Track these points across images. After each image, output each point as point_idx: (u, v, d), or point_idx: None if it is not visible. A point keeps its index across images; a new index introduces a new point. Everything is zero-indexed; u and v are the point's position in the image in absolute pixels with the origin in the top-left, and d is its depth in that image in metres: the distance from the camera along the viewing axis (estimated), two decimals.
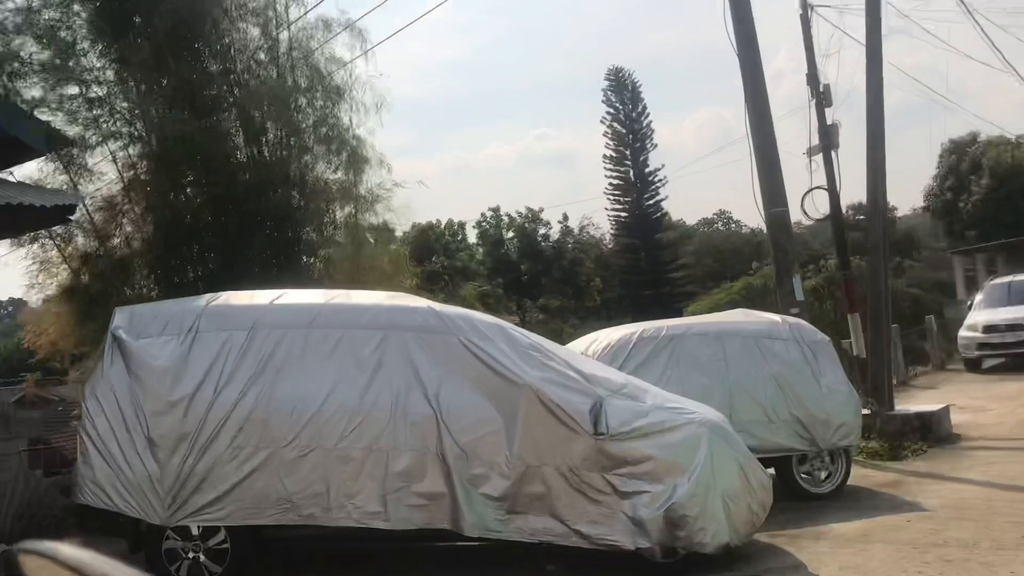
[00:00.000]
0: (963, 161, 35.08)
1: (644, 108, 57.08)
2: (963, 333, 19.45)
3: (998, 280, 21.05)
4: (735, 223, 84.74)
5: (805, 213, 14.25)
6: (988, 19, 43.79)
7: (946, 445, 11.96)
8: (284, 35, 12.36)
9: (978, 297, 20.72)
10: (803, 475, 9.00)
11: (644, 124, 56.85)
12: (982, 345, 19.00)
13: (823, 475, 9.08)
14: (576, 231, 56.05)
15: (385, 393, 6.44)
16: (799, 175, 14.74)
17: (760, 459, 7.59)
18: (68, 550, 1.26)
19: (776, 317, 9.40)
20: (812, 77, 14.11)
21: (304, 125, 11.77)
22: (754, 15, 12.02)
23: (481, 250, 52.36)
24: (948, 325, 22.03)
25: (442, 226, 50.89)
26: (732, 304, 31.21)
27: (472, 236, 53.18)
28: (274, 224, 10.87)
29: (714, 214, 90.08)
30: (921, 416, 12.34)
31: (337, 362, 6.53)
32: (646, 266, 55.11)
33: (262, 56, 11.81)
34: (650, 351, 8.69)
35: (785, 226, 11.86)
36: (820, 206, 14.08)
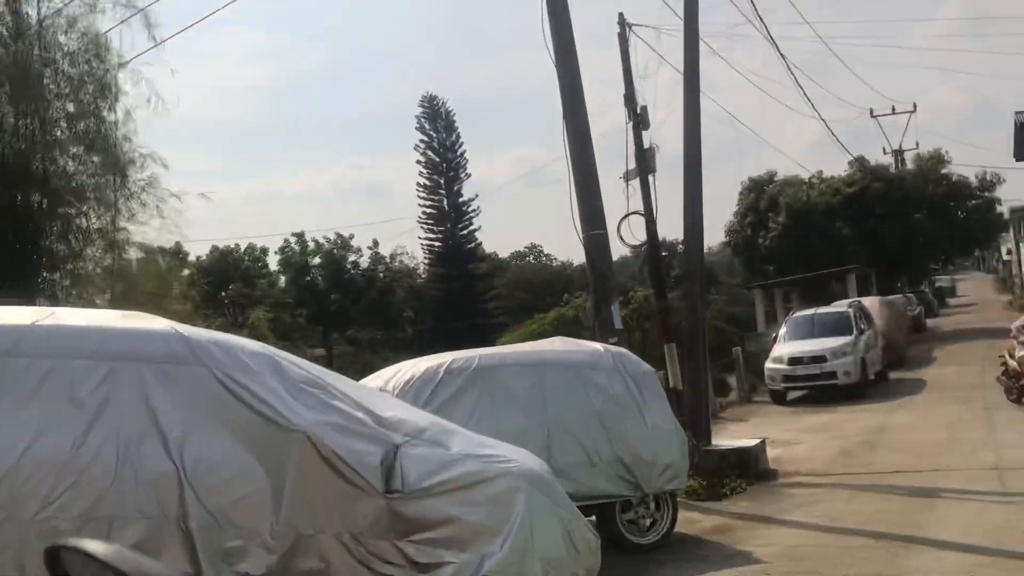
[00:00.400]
0: (762, 199, 36.60)
1: (458, 137, 56.82)
2: (769, 365, 19.62)
3: (801, 313, 21.53)
4: (546, 256, 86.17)
5: (622, 239, 13.70)
6: (794, 65, 46.04)
7: (765, 482, 11.49)
8: (36, 11, 10.41)
9: (782, 330, 21.09)
10: (627, 523, 8.07)
11: (458, 153, 56.55)
12: (787, 377, 19.21)
13: (648, 523, 8.19)
14: (388, 258, 54.54)
15: (109, 443, 4.85)
16: (621, 201, 14.21)
17: (580, 507, 6.57)
18: (104, 547, 1.31)
19: (598, 346, 8.48)
20: (629, 98, 13.61)
21: (56, 116, 9.86)
22: (579, 41, 11.30)
23: (284, 278, 49.75)
24: (750, 357, 22.33)
25: (242, 251, 47.98)
26: (544, 336, 30.83)
27: (274, 263, 50.50)
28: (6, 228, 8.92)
29: (526, 247, 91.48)
30: (739, 452, 11.86)
31: (43, 402, 4.89)
32: (460, 297, 54.40)
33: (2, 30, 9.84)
34: (460, 385, 7.52)
35: (604, 249, 11.09)
36: (637, 233, 13.56)
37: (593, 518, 7.95)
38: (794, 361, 19.11)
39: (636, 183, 13.66)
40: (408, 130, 55.90)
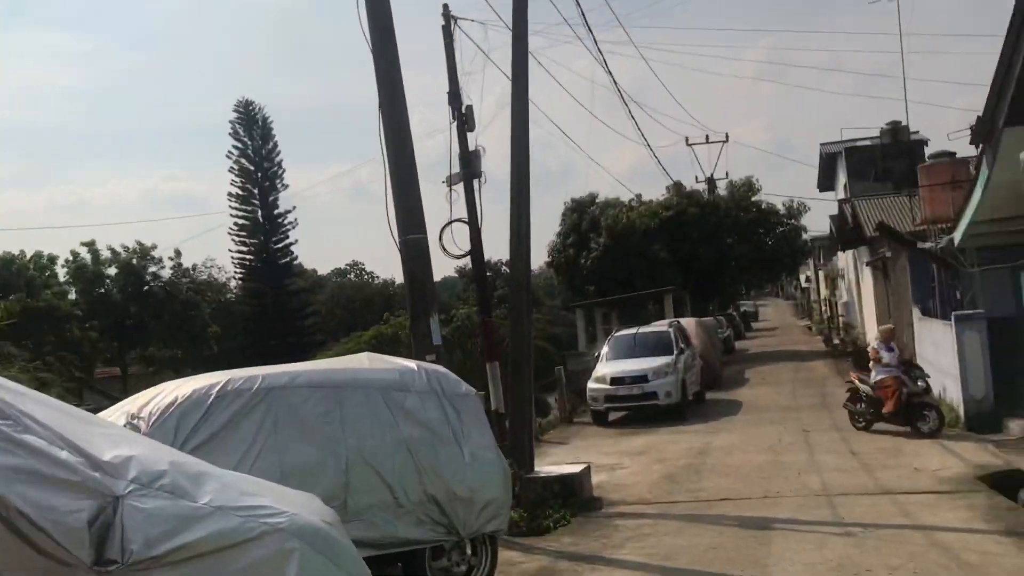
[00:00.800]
0: (584, 219, 36.66)
1: (275, 146, 54.26)
2: (591, 385, 19.05)
3: (623, 332, 21.18)
4: (368, 274, 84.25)
5: (444, 249, 12.59)
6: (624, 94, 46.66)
7: (589, 512, 10.65)
8: None
9: (604, 349, 20.64)
10: (438, 572, 6.89)
11: (275, 163, 53.98)
12: (609, 397, 18.69)
13: (463, 570, 7.04)
14: (191, 269, 50.95)
15: None
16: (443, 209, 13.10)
17: (385, 555, 5.35)
18: None
19: (411, 363, 7.26)
20: (454, 96, 12.58)
21: None
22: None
23: (74, 289, 45.34)
24: (571, 377, 21.79)
25: (27, 258, 43.31)
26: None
27: (63, 274, 45.79)
28: None
29: (347, 264, 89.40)
30: (563, 479, 10.97)
31: None
32: (273, 313, 51.69)
33: None
34: (236, 410, 6.11)
35: (423, 256, 9.94)
36: (461, 242, 12.51)
37: (400, 565, 6.74)
38: (616, 381, 18.63)
39: (460, 189, 12.64)
40: (226, 144, 52.69)
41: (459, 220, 12.43)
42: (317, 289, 71.55)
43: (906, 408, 13.78)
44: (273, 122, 54.87)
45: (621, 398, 18.61)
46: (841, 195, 33.98)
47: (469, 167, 12.45)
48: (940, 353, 16.25)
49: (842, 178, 32.85)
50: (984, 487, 10.15)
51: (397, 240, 9.94)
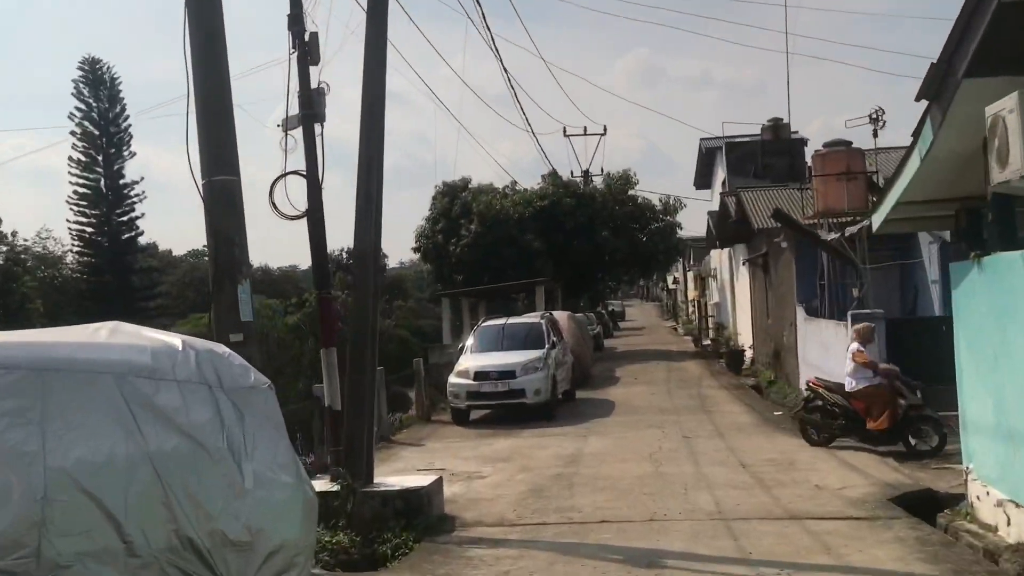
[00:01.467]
0: (455, 205, 34.58)
1: (124, 110, 49.80)
2: (453, 380, 17.01)
3: (490, 322, 19.24)
4: None
5: (275, 208, 10.23)
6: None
7: (438, 535, 8.60)
8: None
9: (469, 340, 18.64)
10: None
11: (122, 128, 49.48)
12: (472, 394, 16.68)
13: None
14: (10, 236, 45.74)
15: None
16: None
17: None
18: None
19: (174, 339, 4.95)
20: (295, 19, 10.22)
21: None
22: None
23: None
24: (432, 370, 19.72)
25: None
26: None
27: None
28: None
29: (204, 246, 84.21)
30: (407, 495, 8.87)
31: None
32: (113, 291, 47.31)
33: None
34: None
35: (232, 205, 7.60)
36: (298, 201, 10.20)
37: None
38: (480, 376, 16.65)
39: (299, 137, 10.30)
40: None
41: (296, 173, 10.13)
42: (170, 269, 66.94)
43: (901, 423, 11.55)
44: (122, 83, 50.43)
45: (485, 395, 16.64)
46: (717, 195, 33.17)
47: (311, 108, 10.15)
48: (830, 356, 15.03)
49: (721, 174, 32.01)
50: (901, 512, 8.66)
51: (198, 182, 7.58)
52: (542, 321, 18.61)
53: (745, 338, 26.41)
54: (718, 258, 34.83)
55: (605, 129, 39.35)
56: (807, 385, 12.88)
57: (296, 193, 10.37)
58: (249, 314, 7.55)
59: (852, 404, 11.92)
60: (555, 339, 18.28)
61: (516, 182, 36.46)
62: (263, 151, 52.91)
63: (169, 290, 61.14)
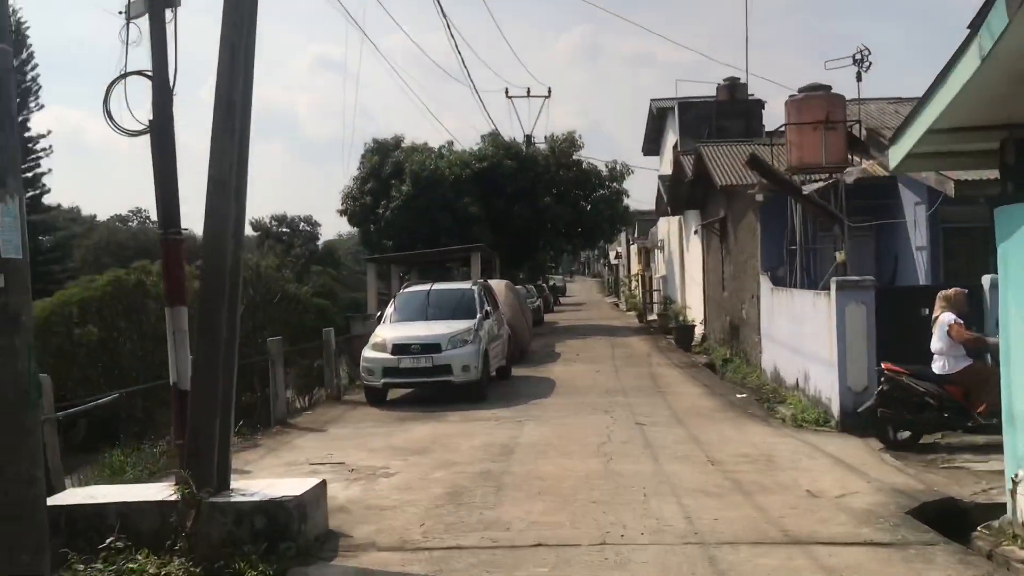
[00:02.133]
0: (386, 164, 31.94)
1: (31, 57, 45.67)
2: (367, 354, 14.57)
3: (414, 288, 16.80)
4: (152, 222, 75.74)
5: (110, 119, 7.67)
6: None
7: (311, 564, 6.24)
8: None
9: (389, 308, 16.19)
10: None
11: (28, 77, 45.36)
12: (389, 371, 14.26)
13: None
14: None
15: None
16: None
17: None
18: None
19: None
20: None
21: None
22: None
23: None
24: (354, 343, 17.27)
25: None
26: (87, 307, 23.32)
27: None
28: None
29: (130, 211, 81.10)
30: (271, 509, 6.47)
31: None
32: None
33: None
34: None
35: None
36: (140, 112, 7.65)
37: None
38: (400, 349, 14.24)
39: (146, 28, 7.72)
40: None
41: (140, 73, 7.57)
42: (89, 234, 63.02)
43: None
44: (30, 28, 46.30)
45: (405, 372, 14.24)
46: (668, 159, 31.11)
47: None
48: (804, 333, 12.97)
49: (672, 137, 29.89)
50: (934, 533, 6.56)
51: None
52: (474, 288, 16.24)
53: (696, 313, 24.42)
54: (666, 228, 32.81)
55: (549, 91, 37.05)
56: (881, 372, 10.02)
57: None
58: (16, 249, 5.03)
59: (952, 390, 9.51)
60: (488, 309, 15.95)
61: (453, 142, 33.95)
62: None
63: (85, 254, 57.48)
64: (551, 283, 65.42)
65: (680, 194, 23.31)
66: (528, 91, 37.30)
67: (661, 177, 26.79)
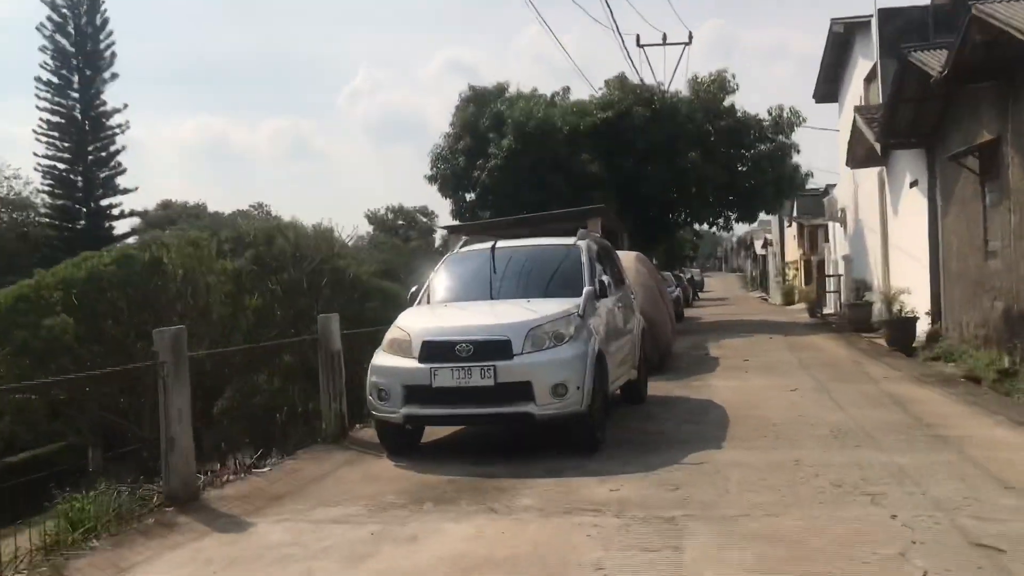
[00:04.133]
0: (484, 116, 25.28)
1: (105, 23, 41.51)
2: (378, 361, 7.77)
3: (471, 247, 9.67)
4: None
5: None
6: None
7: None
8: None
9: (432, 278, 9.22)
10: None
11: (102, 43, 41.25)
12: (417, 393, 7.40)
13: None
14: None
15: None
16: None
17: None
18: None
19: None
20: None
21: None
22: None
23: None
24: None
25: None
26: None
27: None
28: None
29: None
30: None
31: None
32: (88, 238, 39.37)
33: None
34: None
35: None
36: None
37: None
38: (435, 351, 7.40)
39: None
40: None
41: None
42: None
43: None
44: None
45: (443, 396, 7.34)
46: (855, 99, 23.14)
47: None
48: None
49: (864, 65, 21.95)
50: None
51: None
52: (580, 245, 9.14)
53: (918, 300, 16.61)
54: (851, 191, 24.82)
55: (690, 36, 29.33)
56: None
57: None
58: None
59: None
60: (606, 280, 8.82)
61: (568, 88, 26.96)
62: None
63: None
64: (688, 275, 57.89)
65: (898, 121, 15.57)
66: (664, 37, 29.81)
67: (859, 109, 19.03)
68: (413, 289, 9.02)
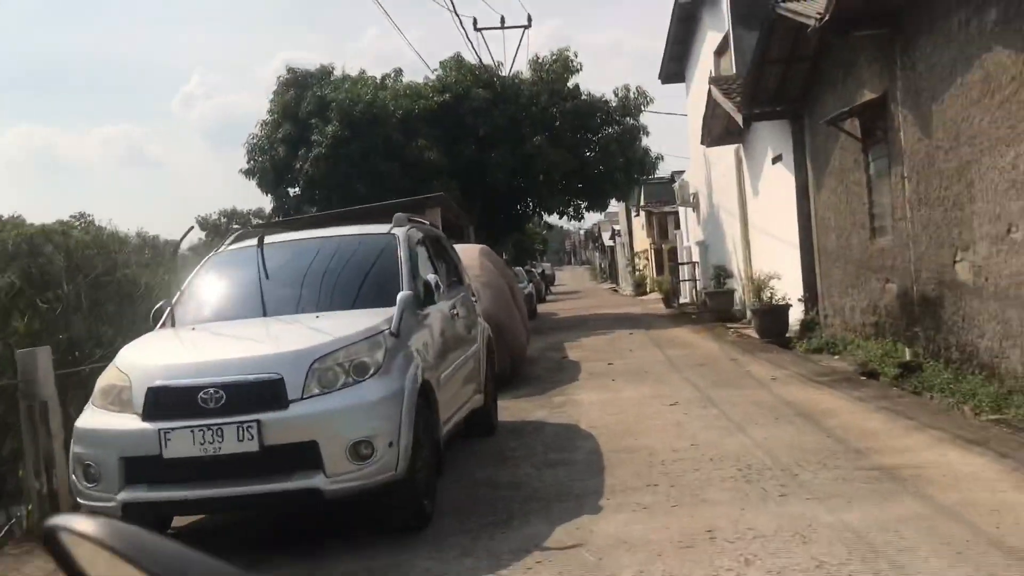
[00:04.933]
0: (307, 100, 22.40)
1: None
2: (83, 423, 5.13)
3: (238, 246, 6.97)
4: None
5: None
6: None
7: None
8: None
9: (183, 292, 6.53)
10: None
11: None
12: (140, 467, 4.86)
13: None
14: None
15: None
16: None
17: None
18: (100, 525, 0.98)
19: None
20: None
21: None
22: None
23: None
24: None
25: None
26: None
27: None
28: None
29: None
30: None
31: None
32: None
33: None
34: None
35: None
36: None
37: None
38: (166, 406, 4.84)
39: None
40: None
41: None
42: None
43: None
44: None
45: (180, 470, 4.81)
46: (705, 76, 21.72)
47: None
48: None
49: (713, 38, 20.53)
50: None
51: None
52: (397, 234, 6.69)
53: (788, 286, 15.12)
54: (703, 175, 23.49)
55: (529, 19, 27.32)
56: None
57: None
58: None
59: None
60: (432, 280, 6.42)
61: (401, 70, 24.47)
62: None
63: None
64: (540, 270, 56.65)
65: (763, 87, 13.95)
66: (502, 20, 27.77)
67: (714, 79, 17.45)
68: (159, 305, 6.34)
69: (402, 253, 6.45)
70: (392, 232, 6.75)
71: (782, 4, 12.05)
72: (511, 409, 9.52)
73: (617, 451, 7.01)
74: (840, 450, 6.47)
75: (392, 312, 5.57)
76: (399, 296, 5.70)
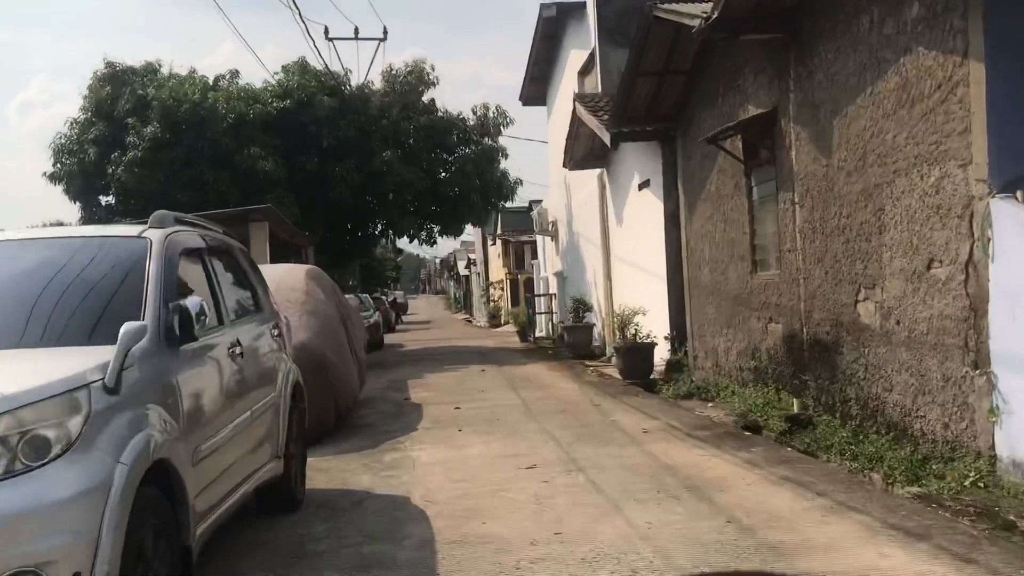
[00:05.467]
0: (124, 98, 19.72)
1: None
2: None
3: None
4: None
5: None
6: None
7: None
8: None
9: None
10: None
11: None
12: None
13: None
14: None
15: None
16: None
17: None
18: None
19: None
20: None
21: None
22: None
23: None
24: None
25: None
26: None
27: None
28: None
29: None
30: None
31: None
32: None
33: None
34: None
35: None
36: None
37: None
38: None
39: None
40: None
41: None
42: None
43: None
44: None
45: None
46: (568, 98, 20.50)
47: None
48: None
49: (578, 56, 19.32)
50: None
51: None
52: (152, 237, 4.68)
53: (655, 323, 13.80)
54: (562, 203, 22.21)
55: (385, 32, 25.47)
56: None
57: None
58: None
59: None
60: (196, 304, 4.46)
61: (238, 71, 22.07)
62: None
63: None
64: (392, 298, 54.59)
65: (633, 103, 12.62)
66: (356, 31, 25.78)
67: (579, 96, 16.12)
68: None
69: (152, 266, 4.45)
70: (144, 236, 4.74)
71: (660, 5, 10.74)
72: (330, 471, 7.58)
73: (458, 542, 5.21)
74: (749, 546, 4.88)
75: (110, 351, 3.58)
76: (123, 329, 3.69)
